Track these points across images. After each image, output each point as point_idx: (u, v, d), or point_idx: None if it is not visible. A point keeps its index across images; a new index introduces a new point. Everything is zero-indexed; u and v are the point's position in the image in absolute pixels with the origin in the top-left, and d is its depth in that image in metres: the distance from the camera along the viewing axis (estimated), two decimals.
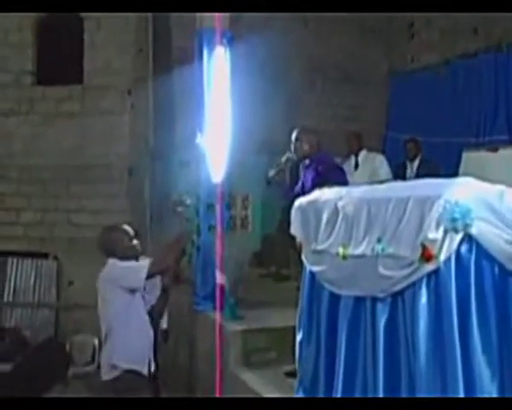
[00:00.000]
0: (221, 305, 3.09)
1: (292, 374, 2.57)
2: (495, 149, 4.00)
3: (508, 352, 1.65)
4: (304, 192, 3.00)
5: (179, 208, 2.20)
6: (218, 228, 2.99)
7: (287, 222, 2.85)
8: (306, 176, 3.07)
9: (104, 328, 2.29)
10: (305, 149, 3.03)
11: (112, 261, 2.30)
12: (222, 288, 3.04)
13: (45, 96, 4.87)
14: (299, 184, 3.13)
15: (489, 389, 1.61)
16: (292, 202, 3.10)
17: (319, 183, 2.82)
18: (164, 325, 3.26)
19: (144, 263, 2.26)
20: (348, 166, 4.20)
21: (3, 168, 4.88)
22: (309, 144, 3.03)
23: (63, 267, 4.93)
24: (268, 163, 3.73)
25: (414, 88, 5.21)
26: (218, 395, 2.55)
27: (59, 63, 4.74)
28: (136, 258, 2.33)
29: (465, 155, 4.17)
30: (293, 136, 3.06)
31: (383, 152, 4.44)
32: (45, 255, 5.01)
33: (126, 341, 2.23)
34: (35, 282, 5.04)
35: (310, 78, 5.31)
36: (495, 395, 1.61)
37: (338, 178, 2.81)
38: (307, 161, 3.05)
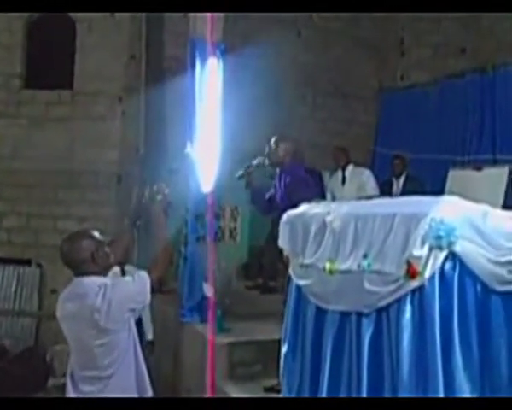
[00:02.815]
0: (208, 317, 3.06)
1: (271, 389, 2.55)
2: (479, 168, 4.09)
3: (488, 367, 1.68)
4: (274, 202, 2.99)
5: (159, 197, 2.04)
6: (208, 239, 2.97)
7: (276, 235, 2.85)
8: (277, 186, 3.05)
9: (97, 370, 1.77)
10: (278, 156, 2.98)
11: (88, 281, 1.78)
12: (210, 300, 3.01)
13: (34, 99, 4.84)
14: (272, 191, 3.10)
15: None
16: (268, 212, 3.10)
17: (287, 195, 2.81)
18: (149, 336, 3.21)
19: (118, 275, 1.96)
20: (335, 180, 4.24)
21: None
22: (284, 152, 2.96)
23: (46, 275, 4.84)
24: (257, 173, 3.73)
25: (403, 105, 5.32)
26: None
27: (49, 67, 4.71)
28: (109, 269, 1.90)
29: (451, 173, 4.26)
30: (272, 141, 3.03)
31: (371, 167, 4.50)
32: (28, 262, 4.92)
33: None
34: (16, 289, 4.93)
35: (301, 91, 5.38)
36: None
37: (303, 193, 2.66)
38: (278, 170, 3.02)
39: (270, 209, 3.08)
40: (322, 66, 5.36)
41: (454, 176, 4.17)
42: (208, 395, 2.61)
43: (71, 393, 1.79)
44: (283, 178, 2.91)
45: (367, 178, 4.05)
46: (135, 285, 1.83)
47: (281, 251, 2.39)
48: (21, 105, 4.82)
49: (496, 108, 4.44)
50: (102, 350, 1.74)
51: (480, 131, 4.49)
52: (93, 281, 1.79)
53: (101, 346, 1.74)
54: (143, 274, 1.86)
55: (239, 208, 4.48)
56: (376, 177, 4.13)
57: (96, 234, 1.87)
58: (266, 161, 3.03)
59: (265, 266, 4.24)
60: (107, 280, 1.82)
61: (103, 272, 1.84)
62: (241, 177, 3.10)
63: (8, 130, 4.79)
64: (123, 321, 1.79)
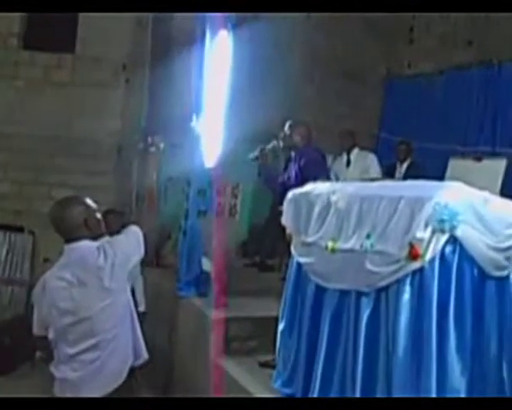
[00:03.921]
0: (206, 292, 3.10)
1: (266, 365, 2.61)
2: (479, 159, 4.14)
3: (479, 349, 1.74)
4: (288, 184, 3.03)
5: (152, 149, 2.03)
6: (211, 214, 2.98)
7: (277, 214, 2.87)
8: (291, 169, 3.10)
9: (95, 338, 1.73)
10: (294, 140, 3.06)
11: (85, 244, 1.74)
12: (210, 275, 3.05)
13: (32, 61, 4.61)
14: (285, 175, 3.15)
15: (459, 382, 1.69)
16: (282, 193, 3.13)
17: (301, 178, 2.86)
18: (141, 307, 3.24)
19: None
20: (340, 163, 4.25)
21: None
22: (300, 136, 3.06)
23: (39, 243, 4.75)
24: (270, 157, 3.72)
25: (408, 93, 5.32)
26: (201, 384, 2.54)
27: (50, 28, 4.45)
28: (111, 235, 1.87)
29: (451, 162, 4.30)
30: (287, 125, 3.08)
31: (374, 152, 4.51)
32: (20, 229, 4.82)
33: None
34: (7, 256, 4.81)
35: (308, 72, 5.32)
36: (463, 388, 1.69)
37: (317, 173, 2.78)
38: (293, 153, 3.08)
39: (284, 190, 3.12)
40: (331, 48, 5.30)
41: (454, 165, 4.22)
42: (206, 367, 2.65)
43: (67, 372, 1.74)
44: (298, 161, 2.96)
45: (371, 161, 4.10)
46: (129, 240, 1.83)
47: (281, 230, 2.42)
48: (18, 66, 4.57)
49: (498, 102, 4.47)
50: (105, 313, 1.74)
51: (481, 123, 4.53)
52: (89, 245, 1.77)
53: (104, 308, 1.74)
54: (134, 228, 1.87)
55: (240, 186, 4.49)
56: (379, 161, 4.16)
57: (88, 200, 1.84)
58: (281, 144, 3.09)
59: (264, 245, 4.28)
60: (102, 242, 1.79)
61: (95, 238, 1.80)
62: (254, 159, 3.15)
63: (3, 91, 4.56)
64: (124, 280, 1.79)
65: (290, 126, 3.07)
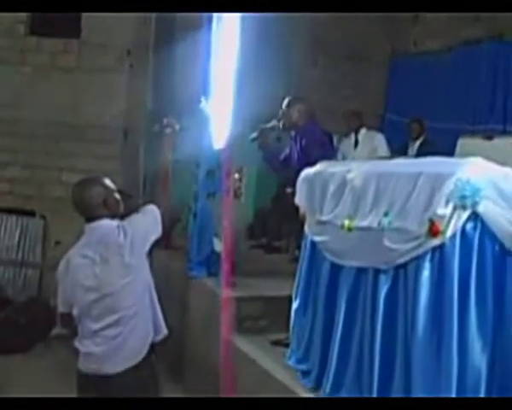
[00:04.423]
0: (217, 272, 3.11)
1: (278, 343, 2.63)
2: (490, 138, 4.08)
3: (500, 327, 1.73)
4: (290, 164, 2.99)
5: (168, 130, 2.06)
6: (222, 195, 2.97)
7: (282, 196, 2.84)
8: (292, 148, 3.04)
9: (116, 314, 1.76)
10: (292, 118, 2.98)
11: (106, 222, 1.79)
12: (220, 255, 3.06)
13: (39, 47, 4.68)
14: (287, 152, 3.08)
15: (480, 360, 1.69)
16: (286, 175, 3.11)
17: (304, 158, 2.80)
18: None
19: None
20: (348, 143, 4.23)
21: None
22: (297, 114, 2.97)
23: (50, 227, 4.84)
24: (271, 137, 3.70)
25: (415, 72, 5.23)
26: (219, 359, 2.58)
27: (55, 15, 4.52)
28: (121, 217, 1.89)
29: (460, 141, 4.24)
30: (285, 102, 3.01)
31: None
32: (32, 213, 4.90)
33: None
34: (20, 240, 4.93)
35: (312, 53, 5.25)
36: (484, 366, 1.69)
37: (319, 153, 2.68)
38: (293, 133, 3.02)
39: (285, 169, 3.09)
40: (335, 28, 5.22)
41: (464, 144, 4.16)
42: (219, 345, 2.68)
43: (91, 346, 1.80)
44: (299, 140, 2.91)
45: (379, 141, 4.08)
46: (147, 218, 1.86)
47: (287, 212, 2.41)
48: (25, 52, 4.65)
49: (509, 78, 4.38)
50: (127, 289, 1.78)
51: (492, 100, 4.45)
52: (109, 223, 1.81)
53: (125, 285, 1.77)
54: (151, 207, 1.90)
55: (244, 169, 4.47)
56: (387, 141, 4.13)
57: (107, 180, 1.89)
58: (281, 124, 3.02)
59: (270, 227, 4.29)
60: (121, 221, 1.83)
61: (114, 218, 1.84)
62: (254, 139, 3.10)
63: (11, 77, 4.64)
64: (143, 258, 1.83)
65: (288, 104, 2.98)
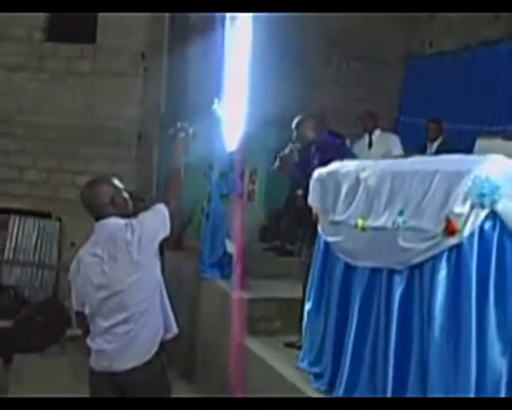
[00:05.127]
0: (230, 273, 3.10)
1: (291, 345, 2.60)
2: (509, 138, 3.98)
3: None
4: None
5: (181, 134, 2.04)
6: (236, 197, 2.96)
7: (294, 199, 2.80)
8: (314, 161, 3.01)
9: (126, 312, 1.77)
10: (307, 137, 2.97)
11: (114, 221, 1.79)
12: (233, 257, 3.04)
13: (56, 53, 4.80)
14: (310, 167, 3.06)
15: (500, 362, 1.63)
16: (297, 179, 3.08)
17: (325, 165, 2.77)
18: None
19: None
20: (362, 144, 4.19)
21: (8, 124, 4.81)
22: (310, 131, 2.96)
23: (66, 228, 4.92)
24: (278, 137, 3.69)
25: (430, 73, 5.14)
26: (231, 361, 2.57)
27: (71, 20, 4.64)
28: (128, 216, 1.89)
29: (478, 143, 4.14)
30: (294, 124, 2.99)
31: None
32: (48, 215, 5.00)
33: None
34: (36, 241, 5.03)
35: (326, 54, 5.22)
36: (505, 368, 1.64)
37: (336, 155, 2.69)
38: (313, 149, 3.00)
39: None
40: (349, 28, 5.18)
41: (482, 145, 4.06)
42: (232, 347, 2.67)
43: (102, 344, 1.81)
44: (318, 156, 2.88)
45: (394, 143, 4.04)
46: (156, 216, 1.86)
47: (300, 215, 2.37)
48: (43, 58, 4.79)
49: None
50: (135, 287, 1.78)
51: (510, 101, 4.34)
52: (117, 221, 1.83)
53: (133, 283, 1.78)
54: (161, 206, 1.88)
55: (257, 171, 4.46)
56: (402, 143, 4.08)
57: (115, 180, 1.89)
58: (298, 146, 3.01)
59: (283, 230, 4.26)
60: (129, 219, 1.84)
61: (123, 217, 1.85)
62: (278, 168, 3.10)
63: (29, 83, 4.77)
64: (152, 255, 1.83)
65: (298, 125, 2.97)
